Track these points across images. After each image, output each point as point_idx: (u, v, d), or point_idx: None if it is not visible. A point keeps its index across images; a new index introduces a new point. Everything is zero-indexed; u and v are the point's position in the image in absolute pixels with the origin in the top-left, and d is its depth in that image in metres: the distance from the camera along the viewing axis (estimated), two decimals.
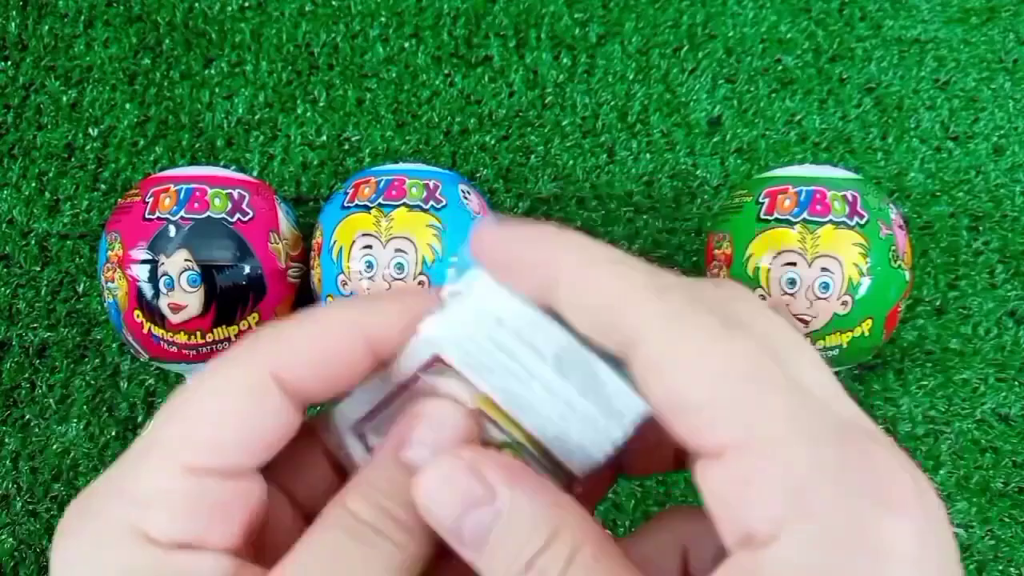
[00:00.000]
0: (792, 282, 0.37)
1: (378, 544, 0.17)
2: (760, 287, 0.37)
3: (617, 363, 0.17)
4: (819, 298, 0.36)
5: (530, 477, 0.17)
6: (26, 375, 0.43)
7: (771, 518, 0.14)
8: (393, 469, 0.18)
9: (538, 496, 0.17)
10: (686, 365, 0.15)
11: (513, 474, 0.17)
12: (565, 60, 0.49)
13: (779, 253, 0.37)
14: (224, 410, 0.17)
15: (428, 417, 0.18)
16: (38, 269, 0.45)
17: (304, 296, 0.41)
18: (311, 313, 0.18)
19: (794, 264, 0.37)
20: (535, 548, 0.16)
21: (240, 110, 0.48)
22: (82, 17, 0.49)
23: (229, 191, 0.38)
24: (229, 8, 0.50)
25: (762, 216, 0.38)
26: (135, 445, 0.18)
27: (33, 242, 0.45)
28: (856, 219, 0.37)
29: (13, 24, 0.49)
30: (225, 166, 0.45)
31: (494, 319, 0.17)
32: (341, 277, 0.37)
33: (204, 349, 0.37)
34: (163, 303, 0.36)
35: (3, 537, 0.41)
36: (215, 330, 0.37)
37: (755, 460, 0.14)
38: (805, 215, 0.37)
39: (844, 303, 0.37)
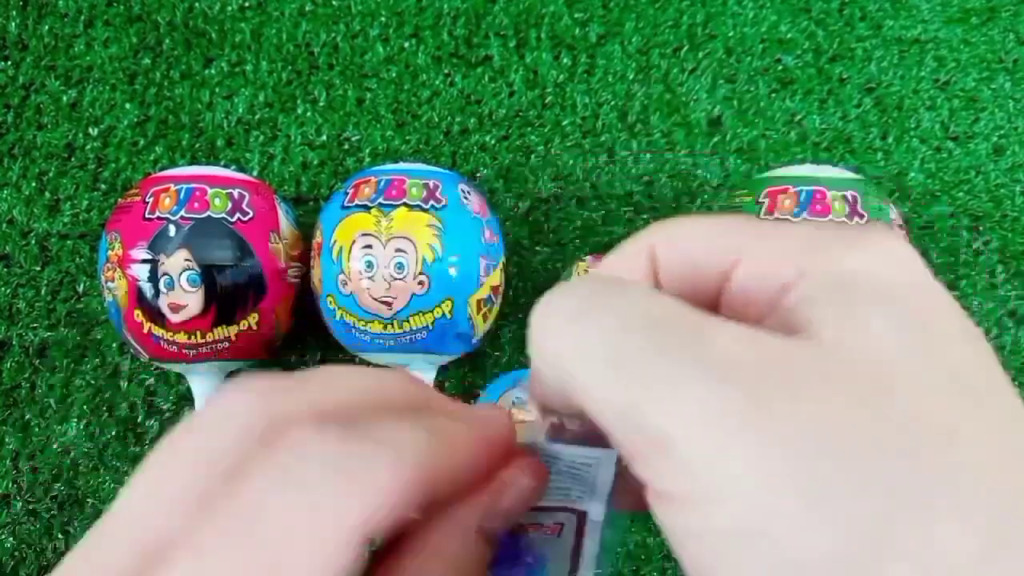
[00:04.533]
0: None
1: None
2: None
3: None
4: None
5: None
6: (26, 375, 0.43)
7: None
8: (462, 538, 0.18)
9: None
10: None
11: None
12: (565, 60, 0.49)
13: None
14: None
15: (511, 487, 0.18)
16: (38, 269, 0.45)
17: (304, 296, 0.41)
18: None
19: None
20: None
21: (240, 110, 0.48)
22: (82, 17, 0.49)
23: (229, 191, 0.38)
24: (229, 8, 0.50)
25: (763, 216, 0.38)
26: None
27: (33, 242, 0.45)
28: (856, 219, 0.37)
29: (13, 24, 0.49)
30: (225, 166, 0.45)
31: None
32: (341, 277, 0.37)
33: (204, 349, 0.37)
34: (163, 303, 0.36)
35: (3, 537, 0.41)
36: (215, 330, 0.37)
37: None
38: (805, 215, 0.37)
39: None
